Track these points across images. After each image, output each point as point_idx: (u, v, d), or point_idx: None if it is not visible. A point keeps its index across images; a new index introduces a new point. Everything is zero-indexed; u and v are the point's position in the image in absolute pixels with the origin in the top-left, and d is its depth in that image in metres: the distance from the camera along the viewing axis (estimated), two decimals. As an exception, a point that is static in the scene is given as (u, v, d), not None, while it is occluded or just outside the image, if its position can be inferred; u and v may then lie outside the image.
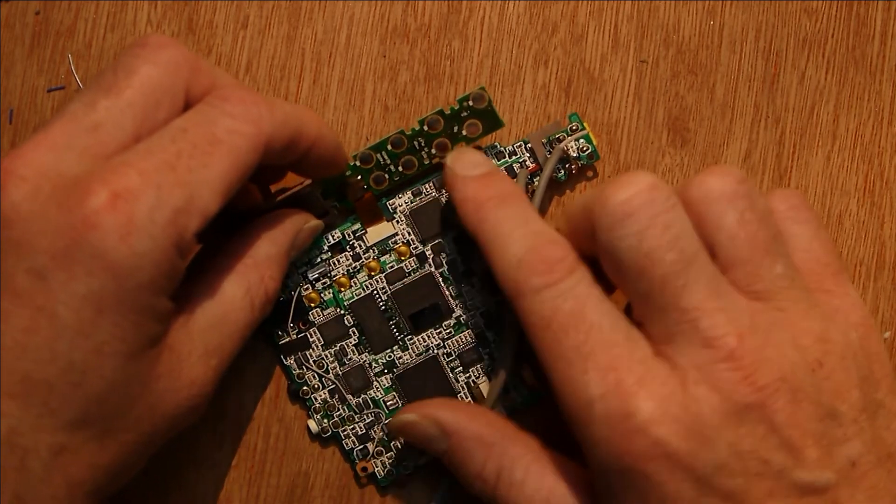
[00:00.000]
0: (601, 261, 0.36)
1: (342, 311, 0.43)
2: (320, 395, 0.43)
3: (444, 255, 0.43)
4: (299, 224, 0.40)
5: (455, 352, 0.43)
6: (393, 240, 0.43)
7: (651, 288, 0.35)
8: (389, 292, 0.43)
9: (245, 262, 0.38)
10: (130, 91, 0.35)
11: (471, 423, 0.39)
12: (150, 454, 0.36)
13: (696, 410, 0.33)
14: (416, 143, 0.42)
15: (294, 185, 0.42)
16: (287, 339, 0.43)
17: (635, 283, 0.35)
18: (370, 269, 0.43)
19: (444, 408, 0.40)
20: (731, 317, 0.34)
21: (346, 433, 0.43)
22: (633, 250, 0.35)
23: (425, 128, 0.42)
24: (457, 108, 0.42)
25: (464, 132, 0.42)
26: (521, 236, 0.37)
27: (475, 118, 0.42)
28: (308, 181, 0.42)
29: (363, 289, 0.43)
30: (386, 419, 0.43)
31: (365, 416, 0.43)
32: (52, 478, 0.33)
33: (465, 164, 0.40)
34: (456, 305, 0.43)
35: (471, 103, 0.42)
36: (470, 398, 0.43)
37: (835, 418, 0.35)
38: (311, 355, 0.43)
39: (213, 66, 0.37)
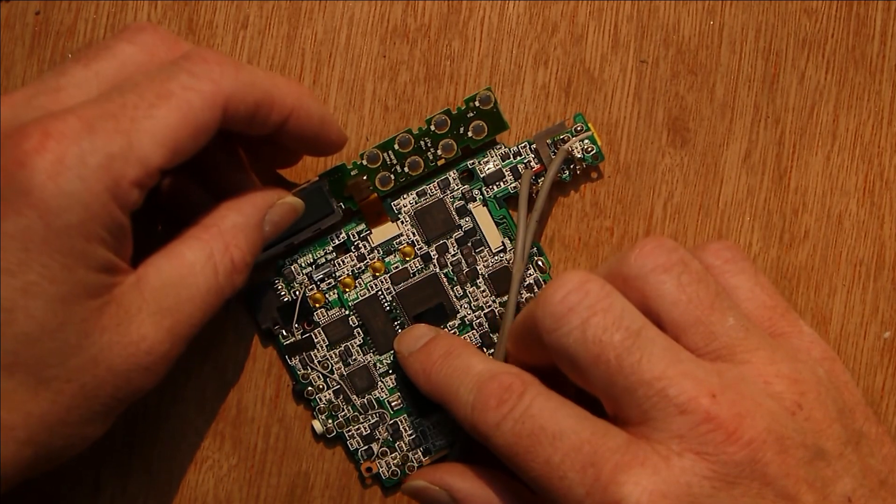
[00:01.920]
0: (558, 365, 0.36)
1: (347, 312, 0.43)
2: (325, 396, 0.43)
3: (448, 256, 0.43)
4: (271, 198, 0.40)
5: (459, 352, 0.43)
6: (398, 240, 0.43)
7: (609, 372, 0.34)
8: (394, 293, 0.43)
9: (208, 229, 0.38)
10: (102, 63, 0.36)
11: (482, 490, 0.38)
12: (103, 413, 0.36)
13: (685, 482, 0.33)
14: (422, 142, 0.42)
15: (303, 182, 0.42)
16: (292, 340, 0.43)
17: (594, 374, 0.35)
18: (375, 270, 0.43)
19: (454, 474, 0.39)
20: (698, 378, 0.34)
21: (350, 433, 0.43)
22: (581, 342, 0.35)
23: (432, 128, 0.42)
24: (463, 108, 0.42)
25: (469, 134, 0.43)
26: (468, 382, 0.37)
27: (480, 119, 0.43)
28: (314, 178, 0.42)
29: (368, 289, 0.43)
30: (391, 419, 0.43)
31: (370, 417, 0.43)
32: None
33: (409, 341, 0.42)
34: (460, 306, 0.43)
35: (477, 104, 0.42)
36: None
37: (823, 457, 0.34)
38: (315, 356, 0.43)
39: (196, 45, 0.37)
